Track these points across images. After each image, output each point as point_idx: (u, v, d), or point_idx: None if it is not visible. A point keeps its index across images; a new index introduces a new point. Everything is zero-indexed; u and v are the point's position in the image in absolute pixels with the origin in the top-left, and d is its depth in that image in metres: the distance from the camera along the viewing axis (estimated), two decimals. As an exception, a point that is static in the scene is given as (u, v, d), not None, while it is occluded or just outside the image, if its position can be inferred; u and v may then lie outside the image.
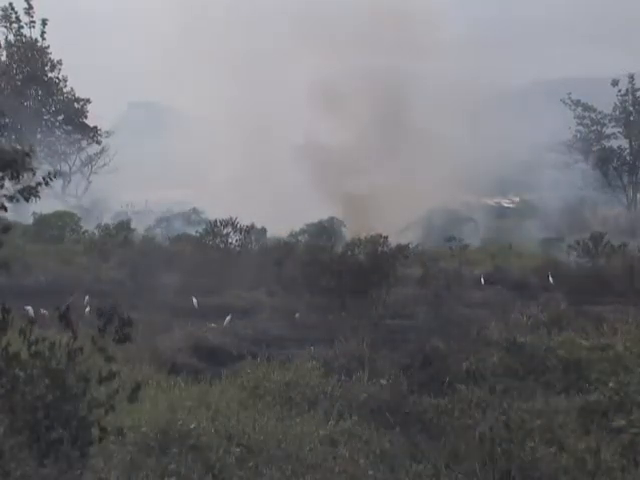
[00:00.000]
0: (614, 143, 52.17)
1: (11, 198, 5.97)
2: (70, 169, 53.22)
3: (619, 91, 50.75)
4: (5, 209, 6.03)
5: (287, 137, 47.92)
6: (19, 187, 6.06)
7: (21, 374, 5.52)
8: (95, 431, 5.62)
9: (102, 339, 5.70)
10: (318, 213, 38.37)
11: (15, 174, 5.86)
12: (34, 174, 6.09)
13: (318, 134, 47.03)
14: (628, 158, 51.85)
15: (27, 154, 5.91)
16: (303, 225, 37.13)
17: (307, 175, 44.11)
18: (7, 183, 5.99)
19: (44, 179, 6.11)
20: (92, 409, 5.59)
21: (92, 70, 54.40)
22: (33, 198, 6.03)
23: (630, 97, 51.00)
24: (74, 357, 5.60)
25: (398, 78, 50.53)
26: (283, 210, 38.04)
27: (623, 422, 9.23)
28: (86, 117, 52.69)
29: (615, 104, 51.49)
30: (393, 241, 22.46)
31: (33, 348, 5.58)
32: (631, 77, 50.39)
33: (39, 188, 6.08)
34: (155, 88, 52.13)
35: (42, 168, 6.72)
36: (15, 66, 51.07)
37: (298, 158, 44.97)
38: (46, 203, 48.02)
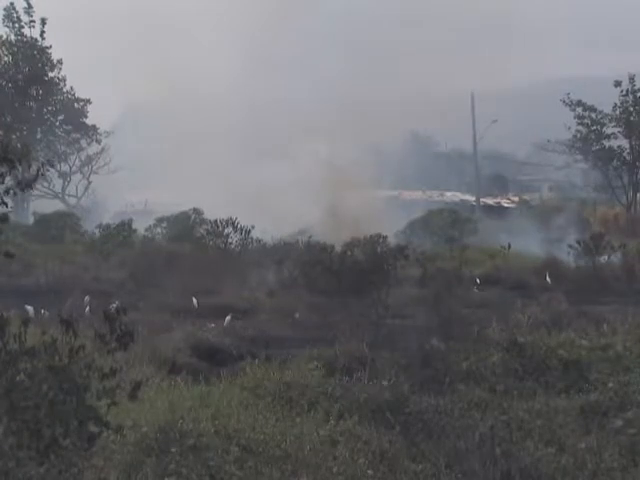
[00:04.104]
0: (614, 143, 52.07)
1: (7, 191, 5.96)
2: (70, 169, 53.16)
3: (621, 91, 50.66)
4: (5, 204, 6.03)
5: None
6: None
7: (28, 367, 5.53)
8: (99, 425, 5.63)
9: (105, 339, 5.71)
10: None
11: (12, 166, 5.85)
12: (30, 166, 6.11)
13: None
14: (628, 158, 51.78)
15: (26, 149, 5.92)
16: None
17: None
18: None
19: (38, 170, 6.12)
20: (100, 398, 5.61)
21: (91, 69, 54.19)
22: (31, 197, 6.07)
23: (631, 97, 50.91)
24: (76, 354, 5.61)
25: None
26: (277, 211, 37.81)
27: (621, 423, 9.24)
28: (86, 117, 52.65)
29: (615, 104, 51.43)
30: (392, 241, 22.47)
31: (31, 348, 5.58)
32: (632, 78, 50.33)
33: (36, 181, 6.10)
34: (154, 87, 51.88)
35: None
36: (15, 66, 51.04)
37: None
38: (46, 203, 48.15)
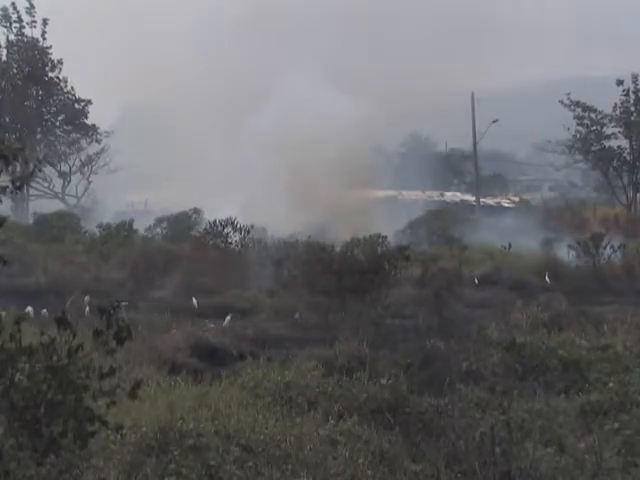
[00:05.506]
0: (614, 143, 52.03)
1: (4, 189, 5.91)
2: (70, 169, 53.14)
3: (623, 91, 50.54)
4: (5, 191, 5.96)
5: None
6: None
7: (26, 367, 5.52)
8: (97, 424, 5.62)
9: (102, 335, 5.70)
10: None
11: (8, 164, 5.81)
12: (27, 163, 6.08)
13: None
14: (628, 158, 51.75)
15: (20, 149, 5.89)
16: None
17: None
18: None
19: (35, 166, 6.09)
20: (97, 399, 5.60)
21: (91, 69, 54.19)
22: (31, 197, 6.03)
23: (632, 97, 50.84)
24: (75, 353, 5.60)
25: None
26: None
27: (617, 424, 9.23)
28: (87, 118, 52.61)
29: (615, 104, 51.37)
30: (392, 241, 22.48)
31: (28, 347, 5.58)
32: (635, 77, 50.25)
33: (32, 178, 6.07)
34: (153, 87, 51.91)
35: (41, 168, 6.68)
36: (16, 66, 51.05)
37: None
38: (46, 203, 48.13)
